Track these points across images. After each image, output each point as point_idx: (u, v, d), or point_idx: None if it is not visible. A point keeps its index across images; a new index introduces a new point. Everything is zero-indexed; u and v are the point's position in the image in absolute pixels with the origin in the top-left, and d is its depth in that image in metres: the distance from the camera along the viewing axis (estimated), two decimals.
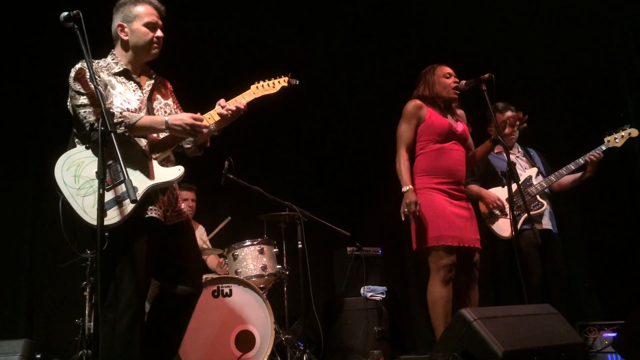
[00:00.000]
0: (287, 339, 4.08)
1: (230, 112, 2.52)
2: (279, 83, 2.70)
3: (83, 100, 2.37)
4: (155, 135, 2.51)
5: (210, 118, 2.53)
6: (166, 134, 2.51)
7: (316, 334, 4.84)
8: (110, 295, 2.32)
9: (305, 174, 5.90)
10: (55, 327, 4.46)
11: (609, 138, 3.82)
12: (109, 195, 2.28)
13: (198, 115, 2.47)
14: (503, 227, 3.83)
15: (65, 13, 2.21)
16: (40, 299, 4.53)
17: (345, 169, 6.12)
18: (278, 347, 4.01)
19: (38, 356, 2.62)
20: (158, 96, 2.63)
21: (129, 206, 2.29)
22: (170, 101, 2.68)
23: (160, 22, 2.57)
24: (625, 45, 4.63)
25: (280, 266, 4.27)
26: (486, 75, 3.22)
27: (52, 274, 4.53)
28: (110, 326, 2.30)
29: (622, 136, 3.80)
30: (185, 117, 2.42)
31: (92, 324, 3.73)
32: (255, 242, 4.19)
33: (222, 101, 2.55)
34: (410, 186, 3.28)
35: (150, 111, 2.54)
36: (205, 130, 2.51)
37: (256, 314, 3.81)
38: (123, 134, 2.32)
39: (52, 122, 4.69)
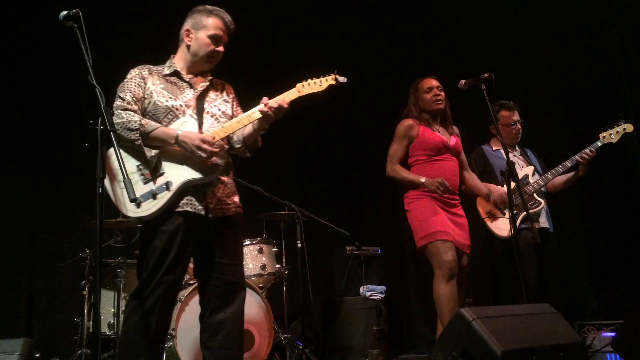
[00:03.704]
0: (286, 338, 4.09)
1: (271, 109, 2.51)
2: (327, 81, 2.65)
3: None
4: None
5: (251, 116, 2.54)
6: (216, 127, 2.55)
7: (315, 333, 4.85)
8: (139, 282, 2.41)
9: (305, 174, 5.90)
10: (55, 326, 4.46)
11: (604, 134, 3.80)
12: (145, 188, 2.41)
13: (210, 139, 2.45)
14: (502, 227, 3.82)
15: (65, 12, 2.21)
16: (39, 298, 4.52)
17: (344, 168, 6.12)
18: (277, 346, 4.01)
19: (37, 355, 2.62)
20: (212, 95, 2.68)
21: (163, 199, 2.39)
22: (228, 99, 2.73)
23: (225, 38, 2.65)
24: (624, 43, 4.64)
25: (279, 265, 4.28)
26: (485, 75, 3.23)
27: (52, 273, 4.52)
28: (129, 311, 2.40)
29: (617, 132, 3.77)
30: (195, 138, 2.42)
31: (91, 323, 3.74)
32: (254, 242, 4.20)
33: (265, 99, 2.54)
34: (422, 178, 3.39)
35: (199, 108, 2.59)
36: (213, 159, 2.48)
37: (255, 313, 3.81)
38: (134, 142, 2.41)
39: (52, 122, 4.69)
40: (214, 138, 2.48)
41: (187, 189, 2.46)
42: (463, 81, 3.36)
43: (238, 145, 2.70)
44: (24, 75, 4.70)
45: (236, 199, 2.66)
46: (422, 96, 3.59)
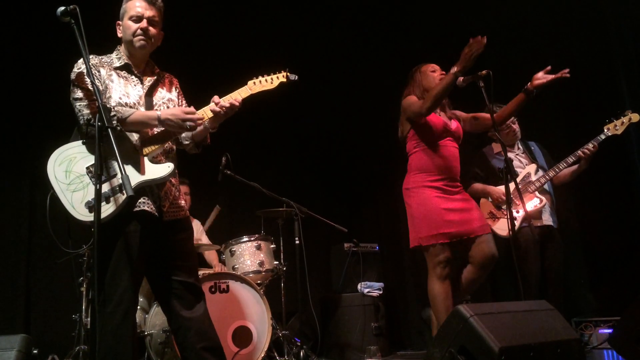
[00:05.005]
0: (284, 335, 4.09)
1: (223, 109, 2.50)
2: (277, 79, 2.68)
3: (79, 93, 2.41)
4: (147, 130, 2.50)
5: (204, 114, 2.52)
6: (159, 130, 2.51)
7: (313, 330, 4.85)
8: (105, 289, 2.33)
9: (303, 170, 5.90)
10: (53, 323, 4.45)
11: (609, 126, 3.76)
12: None
13: (191, 109, 2.46)
14: (503, 227, 3.82)
15: (62, 8, 2.20)
16: (37, 294, 4.52)
17: (343, 165, 6.12)
18: (275, 343, 4.02)
19: (35, 351, 2.61)
20: (160, 91, 2.62)
21: (118, 201, 2.29)
22: (174, 96, 2.67)
23: (150, 13, 2.54)
24: (622, 37, 4.63)
25: (277, 262, 4.28)
26: (484, 72, 3.22)
27: (49, 270, 4.52)
28: (104, 320, 2.31)
29: (623, 122, 3.73)
30: (177, 112, 2.42)
31: (89, 319, 3.73)
32: (252, 238, 4.19)
33: (215, 98, 2.53)
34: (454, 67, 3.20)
35: (148, 106, 2.53)
36: (200, 125, 2.50)
37: (253, 310, 3.81)
38: (115, 128, 2.32)
39: (50, 120, 4.67)
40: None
41: (142, 189, 2.41)
42: (462, 78, 3.34)
43: (186, 142, 2.70)
44: (20, 72, 4.68)
45: (183, 202, 2.64)
46: (428, 74, 3.50)
